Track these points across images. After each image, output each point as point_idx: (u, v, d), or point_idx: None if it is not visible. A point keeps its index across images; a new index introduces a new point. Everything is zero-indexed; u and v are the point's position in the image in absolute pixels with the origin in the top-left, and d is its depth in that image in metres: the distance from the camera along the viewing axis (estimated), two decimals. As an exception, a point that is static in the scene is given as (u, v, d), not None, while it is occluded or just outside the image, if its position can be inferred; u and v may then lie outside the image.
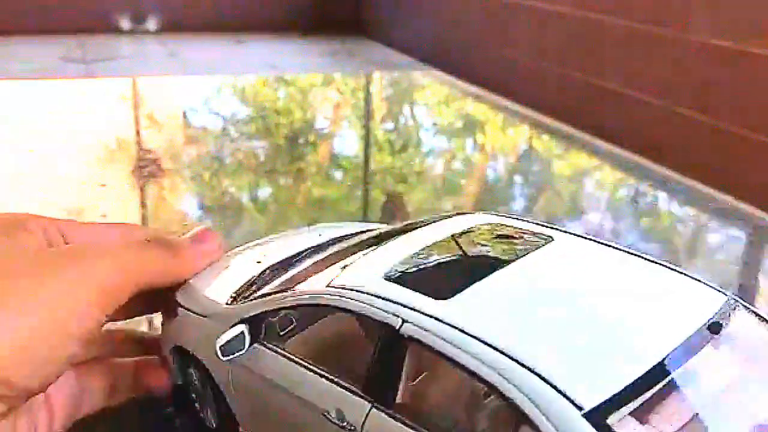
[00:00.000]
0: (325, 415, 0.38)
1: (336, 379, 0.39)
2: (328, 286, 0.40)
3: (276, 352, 0.42)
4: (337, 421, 0.38)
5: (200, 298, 0.47)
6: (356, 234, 0.50)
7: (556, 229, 0.44)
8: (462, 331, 0.34)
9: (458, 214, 0.48)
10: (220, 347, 0.42)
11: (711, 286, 0.39)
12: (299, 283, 0.43)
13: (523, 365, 0.32)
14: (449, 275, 0.41)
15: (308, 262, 0.46)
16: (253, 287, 0.46)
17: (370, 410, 0.36)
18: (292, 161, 1.20)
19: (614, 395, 0.31)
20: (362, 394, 0.37)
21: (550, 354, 0.32)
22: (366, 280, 0.39)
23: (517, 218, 0.46)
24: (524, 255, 0.41)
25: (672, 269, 0.41)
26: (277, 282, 0.45)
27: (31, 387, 0.39)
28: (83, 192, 0.98)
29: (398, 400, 0.36)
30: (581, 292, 0.38)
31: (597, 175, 1.24)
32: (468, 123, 1.51)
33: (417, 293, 0.37)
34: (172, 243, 0.47)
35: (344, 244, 0.48)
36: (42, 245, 0.44)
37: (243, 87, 1.78)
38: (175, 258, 0.47)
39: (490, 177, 1.21)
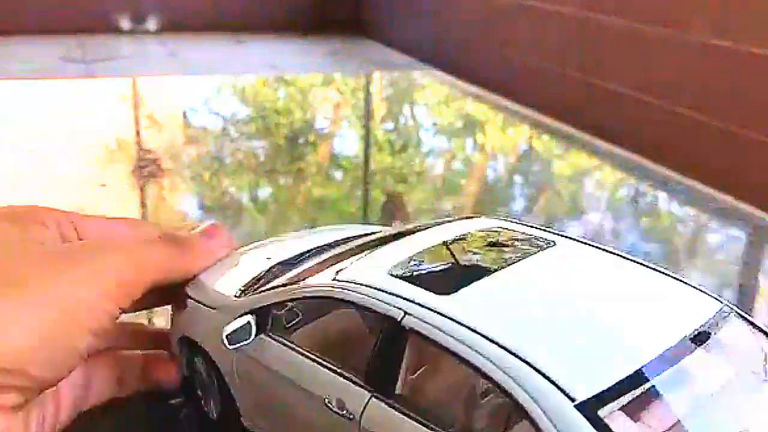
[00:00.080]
0: (325, 404, 0.39)
1: (338, 370, 0.40)
2: (333, 279, 0.41)
3: (280, 343, 0.43)
4: (337, 410, 0.39)
5: (209, 291, 0.48)
6: (362, 236, 0.51)
7: (559, 234, 0.45)
8: (461, 324, 0.35)
9: (463, 218, 0.49)
10: (226, 336, 0.43)
11: (706, 293, 0.40)
12: (306, 278, 0.44)
13: (519, 357, 0.33)
14: (451, 274, 0.42)
15: (315, 260, 0.48)
16: (261, 282, 0.47)
17: (369, 400, 0.38)
18: (292, 161, 1.20)
19: (606, 389, 0.32)
20: (363, 384, 0.38)
21: (545, 348, 0.34)
22: (370, 275, 0.41)
23: (520, 223, 0.47)
24: (526, 257, 0.42)
25: (669, 275, 0.42)
26: (284, 277, 0.46)
27: (48, 379, 0.40)
28: (83, 192, 0.98)
29: (397, 390, 0.37)
30: (579, 293, 0.39)
31: (597, 175, 1.24)
32: (468, 123, 1.51)
33: (419, 288, 0.38)
34: (184, 239, 0.48)
35: (350, 245, 0.49)
36: (56, 238, 0.45)
37: (243, 87, 1.78)
38: (187, 254, 0.48)
39: (490, 177, 1.21)
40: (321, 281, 0.42)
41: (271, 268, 0.49)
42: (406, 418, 0.36)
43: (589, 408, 0.31)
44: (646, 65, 1.79)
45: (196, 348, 0.49)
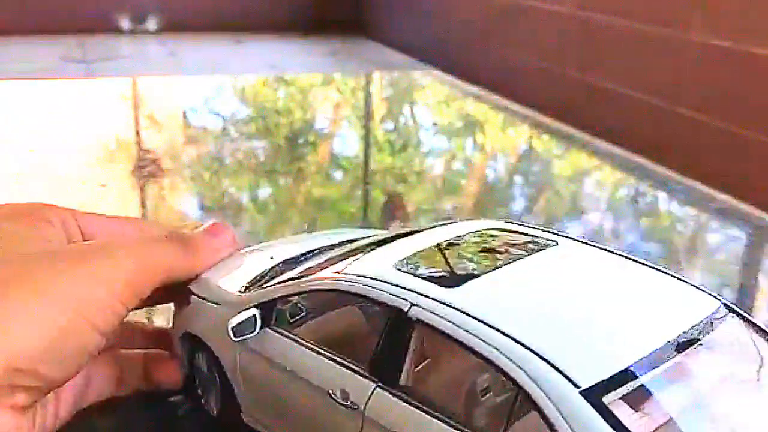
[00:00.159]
0: (330, 395, 0.40)
1: (342, 361, 0.41)
2: (340, 273, 0.42)
3: (284, 336, 0.44)
4: (341, 401, 0.39)
5: (213, 287, 0.49)
6: (363, 238, 0.52)
7: (561, 235, 0.46)
8: (467, 314, 0.36)
9: (464, 220, 0.50)
10: (232, 328, 0.43)
11: (705, 291, 0.41)
12: (311, 275, 0.45)
13: (524, 345, 0.34)
14: (456, 269, 0.42)
15: (318, 259, 0.48)
16: (265, 279, 0.48)
17: (374, 390, 0.38)
18: (292, 161, 1.20)
19: (608, 378, 0.33)
20: (367, 375, 0.39)
21: (550, 338, 0.35)
22: (377, 268, 0.42)
23: (522, 225, 0.48)
24: (529, 255, 0.43)
25: (669, 274, 0.43)
26: (288, 274, 0.47)
27: (57, 378, 0.40)
28: (83, 192, 0.98)
29: (402, 381, 0.38)
30: (582, 290, 0.40)
31: (597, 175, 1.24)
32: (468, 123, 1.51)
33: (425, 281, 0.39)
34: (189, 238, 0.48)
35: (353, 245, 0.49)
36: (61, 236, 0.45)
37: (243, 87, 1.78)
38: (193, 253, 0.48)
39: (490, 177, 1.21)
40: (327, 275, 0.43)
41: (274, 266, 0.50)
42: (410, 408, 0.37)
43: (594, 395, 0.32)
44: (646, 65, 1.79)
45: (197, 344, 0.49)
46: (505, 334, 0.35)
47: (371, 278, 0.40)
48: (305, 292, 0.43)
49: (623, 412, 0.32)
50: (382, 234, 0.52)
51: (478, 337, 0.35)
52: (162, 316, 0.58)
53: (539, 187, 1.14)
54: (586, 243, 0.45)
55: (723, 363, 0.38)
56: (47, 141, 1.20)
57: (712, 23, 1.60)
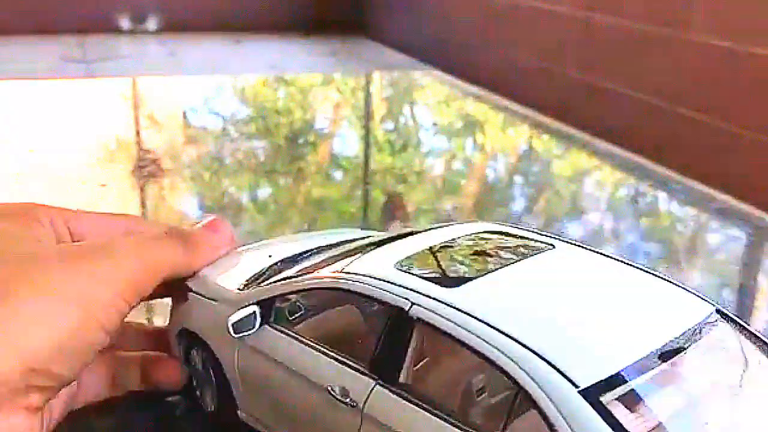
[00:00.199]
0: (329, 392, 0.40)
1: (342, 359, 0.41)
2: (341, 272, 0.43)
3: (284, 333, 0.44)
4: (340, 398, 0.40)
5: (212, 284, 0.49)
6: (361, 239, 0.52)
7: (559, 239, 0.47)
8: (467, 314, 0.36)
9: (463, 222, 0.51)
10: (232, 324, 0.44)
11: (699, 296, 0.42)
12: (311, 273, 0.45)
13: (523, 345, 0.34)
14: (456, 270, 0.43)
15: (318, 258, 0.49)
16: (264, 277, 0.48)
17: (373, 388, 0.39)
18: (292, 161, 1.20)
19: (606, 378, 0.33)
20: (367, 373, 0.39)
21: (549, 339, 0.35)
22: (378, 267, 0.42)
23: (521, 228, 0.49)
24: (527, 257, 0.43)
25: (664, 279, 0.43)
26: (288, 272, 0.47)
27: (68, 377, 0.41)
28: (83, 192, 0.98)
29: (401, 379, 0.38)
30: (579, 292, 0.40)
31: (597, 175, 1.24)
32: (468, 123, 1.51)
33: (426, 281, 0.40)
34: (189, 234, 0.48)
35: (352, 245, 0.50)
36: (51, 236, 0.45)
37: (243, 87, 1.78)
38: (193, 249, 0.48)
39: (490, 177, 1.21)
40: (328, 273, 0.43)
41: (273, 264, 0.50)
42: (410, 405, 0.37)
43: (593, 394, 0.33)
44: (647, 65, 1.79)
45: (194, 341, 0.49)
46: (505, 334, 0.35)
47: (372, 277, 0.41)
48: (306, 290, 0.44)
49: (620, 412, 0.33)
50: (379, 235, 0.52)
51: (478, 337, 0.35)
52: (161, 317, 0.58)
53: (539, 187, 1.14)
54: (583, 247, 0.46)
55: (713, 368, 0.38)
56: (47, 141, 1.20)
57: (712, 23, 1.60)
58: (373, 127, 1.44)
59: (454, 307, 0.37)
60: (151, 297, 0.49)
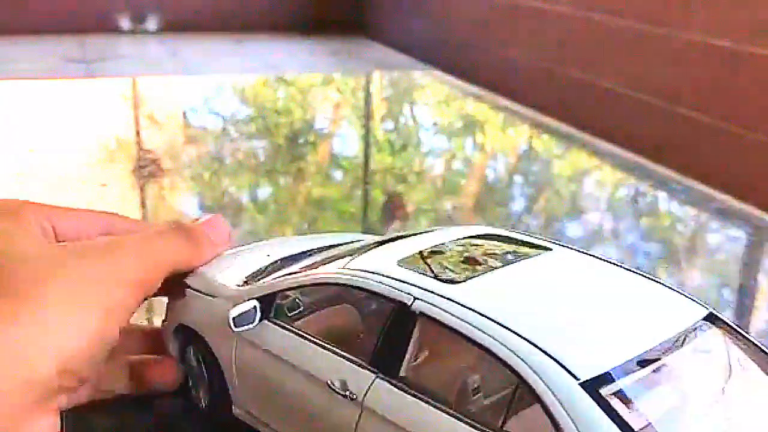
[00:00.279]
0: (329, 386, 0.41)
1: (342, 353, 0.41)
2: (343, 268, 0.43)
3: (284, 328, 0.44)
4: (340, 391, 0.40)
5: (211, 281, 0.49)
6: (359, 240, 0.53)
7: (556, 242, 0.47)
8: (469, 309, 0.37)
9: (465, 225, 0.52)
10: (233, 318, 0.44)
11: (692, 299, 0.42)
12: (311, 270, 0.46)
13: (525, 338, 0.35)
14: (456, 268, 0.43)
15: (317, 257, 0.49)
16: (263, 274, 0.49)
17: (374, 381, 0.39)
18: (292, 161, 1.21)
19: (605, 372, 0.34)
20: (368, 366, 0.40)
21: (549, 333, 0.36)
22: (380, 264, 0.43)
23: (518, 232, 0.50)
24: (525, 259, 0.44)
25: (658, 282, 0.44)
26: (287, 270, 0.47)
27: (86, 378, 0.41)
28: (83, 192, 0.98)
29: (402, 372, 0.39)
30: (576, 292, 0.41)
31: (597, 175, 1.24)
32: (468, 123, 1.51)
33: (427, 278, 0.40)
34: (192, 230, 0.48)
35: (351, 245, 0.50)
36: (38, 234, 0.44)
37: (243, 87, 1.78)
38: (196, 245, 0.48)
39: (490, 177, 1.21)
40: (331, 269, 0.44)
41: (272, 262, 0.51)
42: (410, 398, 0.37)
43: (593, 387, 0.33)
44: (647, 65, 1.79)
45: (190, 338, 0.49)
46: (506, 328, 0.36)
47: (375, 273, 0.41)
48: (308, 285, 0.44)
49: (617, 406, 0.33)
50: (378, 238, 0.53)
51: (480, 330, 0.36)
52: (159, 317, 0.57)
53: (539, 187, 1.14)
54: (580, 250, 0.47)
55: (704, 368, 0.39)
56: (47, 141, 1.20)
57: (712, 23, 1.60)
58: (373, 127, 1.44)
59: (457, 302, 0.38)
60: (154, 295, 0.49)
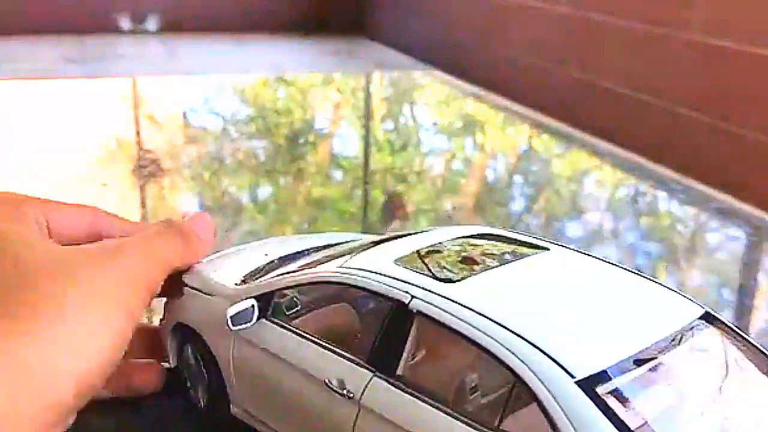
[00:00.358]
0: (327, 384, 0.41)
1: (340, 352, 0.41)
2: (341, 266, 0.43)
3: (282, 327, 0.44)
4: (338, 390, 0.40)
5: (209, 279, 0.49)
6: (356, 240, 0.53)
7: (553, 242, 0.47)
8: (467, 307, 0.37)
9: (460, 226, 0.51)
10: (230, 317, 0.44)
11: (688, 299, 0.43)
12: (309, 269, 0.46)
13: (522, 337, 0.35)
14: (454, 267, 0.43)
15: (315, 256, 0.49)
16: (261, 273, 0.49)
17: (371, 379, 0.39)
18: (292, 161, 1.21)
19: (602, 371, 0.34)
20: (365, 365, 0.40)
21: (546, 332, 0.36)
22: (378, 262, 0.43)
23: (516, 232, 0.50)
24: (523, 259, 0.44)
25: (655, 282, 0.44)
26: (286, 269, 0.47)
27: (100, 387, 0.40)
28: (84, 191, 0.98)
29: (399, 371, 0.39)
30: (573, 291, 0.41)
31: (597, 175, 1.24)
32: (468, 123, 1.51)
33: (425, 276, 0.40)
34: (184, 228, 0.48)
35: (349, 245, 0.50)
36: (39, 232, 0.43)
37: (243, 87, 1.78)
38: (188, 243, 0.47)
39: (490, 177, 1.21)
40: (329, 268, 0.44)
41: (270, 261, 0.51)
42: (407, 396, 0.38)
43: (589, 385, 0.33)
44: (647, 65, 1.79)
45: (187, 336, 0.50)
46: (503, 327, 0.36)
47: (373, 271, 0.41)
48: (306, 284, 0.44)
49: (613, 404, 0.34)
50: (375, 237, 0.53)
51: (478, 329, 0.36)
52: (156, 316, 0.58)
53: (539, 187, 1.14)
54: (578, 251, 0.47)
55: (700, 367, 0.39)
56: (48, 141, 1.20)
57: (711, 23, 1.60)
58: (373, 127, 1.44)
59: (454, 301, 0.38)
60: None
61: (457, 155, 1.30)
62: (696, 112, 1.65)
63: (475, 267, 0.42)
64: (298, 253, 0.52)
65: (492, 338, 0.35)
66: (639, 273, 0.44)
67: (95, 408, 0.48)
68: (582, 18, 2.03)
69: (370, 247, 0.47)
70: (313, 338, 0.43)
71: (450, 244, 0.46)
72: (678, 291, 0.43)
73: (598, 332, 0.37)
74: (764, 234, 0.95)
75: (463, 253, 0.45)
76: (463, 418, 0.36)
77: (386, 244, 0.47)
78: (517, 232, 0.49)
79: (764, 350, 0.41)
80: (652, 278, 0.44)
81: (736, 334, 0.42)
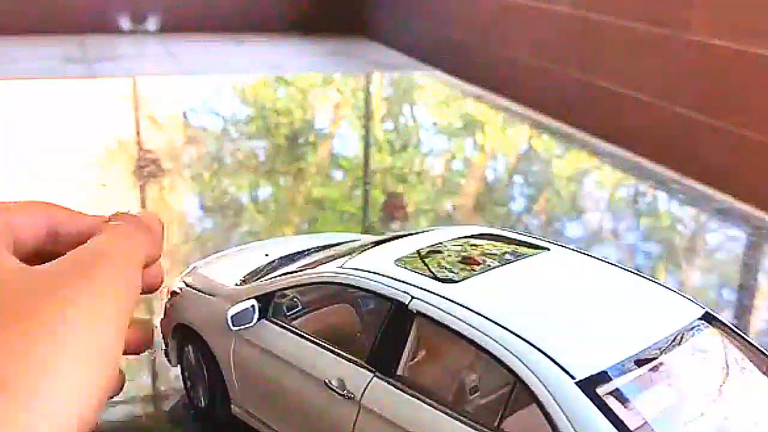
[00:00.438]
0: (327, 384, 0.41)
1: (340, 352, 0.42)
2: (342, 267, 0.43)
3: (282, 327, 0.45)
4: (338, 390, 0.40)
5: (209, 280, 0.50)
6: (355, 240, 0.53)
7: (553, 243, 0.48)
8: (467, 308, 0.37)
9: (460, 226, 0.51)
10: (231, 317, 0.44)
11: (688, 299, 0.43)
12: (309, 269, 0.46)
13: (522, 338, 0.35)
14: (454, 268, 0.44)
15: (315, 256, 0.50)
16: (261, 274, 0.49)
17: (371, 380, 0.40)
18: (292, 161, 1.21)
19: (602, 371, 0.35)
20: (365, 365, 0.40)
21: (546, 333, 0.36)
22: (377, 263, 0.43)
23: (516, 232, 0.50)
24: (523, 259, 0.44)
25: (654, 282, 0.44)
26: (286, 269, 0.48)
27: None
28: (84, 191, 0.98)
29: (399, 371, 0.39)
30: (573, 292, 0.42)
31: (597, 175, 1.24)
32: (468, 123, 1.51)
33: (425, 277, 0.41)
34: (144, 224, 0.46)
35: (348, 245, 0.51)
36: (3, 250, 0.42)
37: (243, 87, 1.78)
38: (154, 238, 0.46)
39: (489, 177, 1.21)
40: (329, 269, 0.44)
41: (270, 262, 0.51)
42: (406, 396, 0.38)
43: (589, 386, 0.34)
44: (646, 65, 1.79)
45: (188, 337, 0.50)
46: (503, 327, 0.36)
47: (373, 272, 0.42)
48: (306, 284, 0.44)
49: (613, 404, 0.34)
50: (374, 237, 0.53)
51: (478, 330, 0.36)
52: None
53: (539, 187, 1.14)
54: (577, 251, 0.47)
55: (700, 367, 0.40)
56: (48, 141, 1.20)
57: (712, 23, 1.60)
58: (373, 127, 1.44)
59: (454, 302, 0.38)
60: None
61: (457, 155, 1.30)
62: (696, 112, 1.65)
63: (475, 267, 0.42)
64: (298, 253, 0.52)
65: (492, 338, 0.36)
66: (639, 273, 0.45)
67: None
68: (582, 18, 2.03)
69: (371, 247, 0.47)
70: (313, 338, 0.43)
71: (450, 245, 0.46)
72: (678, 291, 0.43)
73: (598, 332, 0.37)
74: (764, 234, 0.95)
75: (463, 254, 0.45)
76: (463, 418, 0.36)
77: (387, 244, 0.47)
78: (517, 232, 0.50)
79: (764, 350, 0.41)
80: (652, 278, 0.44)
81: (736, 334, 0.42)
